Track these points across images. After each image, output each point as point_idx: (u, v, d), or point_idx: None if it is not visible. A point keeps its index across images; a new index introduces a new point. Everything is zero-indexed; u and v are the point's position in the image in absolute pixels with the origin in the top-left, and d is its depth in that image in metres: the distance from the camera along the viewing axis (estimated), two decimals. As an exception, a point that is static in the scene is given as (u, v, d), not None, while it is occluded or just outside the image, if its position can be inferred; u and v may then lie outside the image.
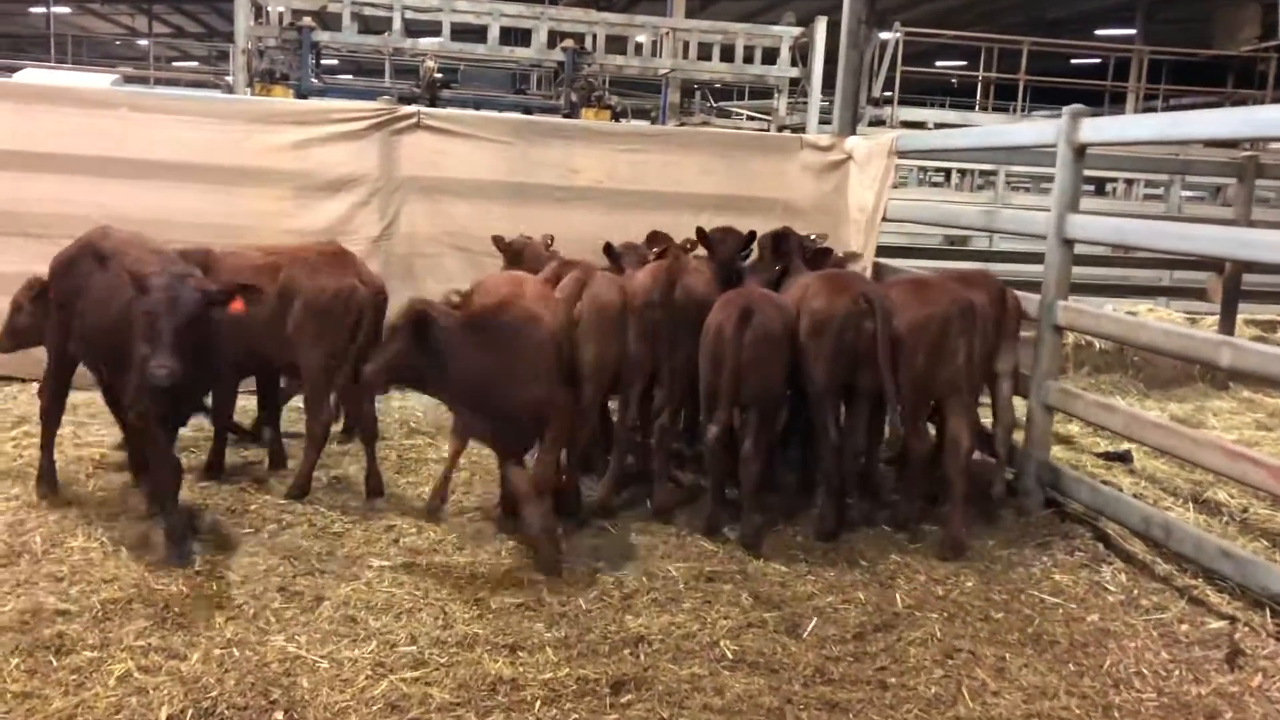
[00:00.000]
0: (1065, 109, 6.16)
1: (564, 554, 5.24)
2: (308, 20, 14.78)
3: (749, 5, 26.69)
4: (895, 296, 5.74)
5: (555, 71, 16.39)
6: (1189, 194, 15.84)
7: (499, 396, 5.04)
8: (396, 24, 15.25)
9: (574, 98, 14.90)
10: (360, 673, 4.08)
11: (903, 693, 4.20)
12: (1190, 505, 6.47)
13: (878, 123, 15.87)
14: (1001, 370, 6.41)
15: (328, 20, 15.99)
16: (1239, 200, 9.41)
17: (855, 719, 4.02)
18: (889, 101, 16.79)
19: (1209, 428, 8.30)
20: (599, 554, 5.36)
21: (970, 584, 5.25)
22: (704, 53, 16.31)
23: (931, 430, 6.13)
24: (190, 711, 3.76)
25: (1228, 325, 8.97)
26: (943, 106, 22.59)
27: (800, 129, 15.10)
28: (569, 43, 15.32)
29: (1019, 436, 6.56)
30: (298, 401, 6.61)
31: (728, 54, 16.18)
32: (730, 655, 4.39)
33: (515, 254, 6.84)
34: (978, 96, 21.83)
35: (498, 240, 7.02)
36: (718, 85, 21.57)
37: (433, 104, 13.22)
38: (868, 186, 8.42)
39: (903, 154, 8.46)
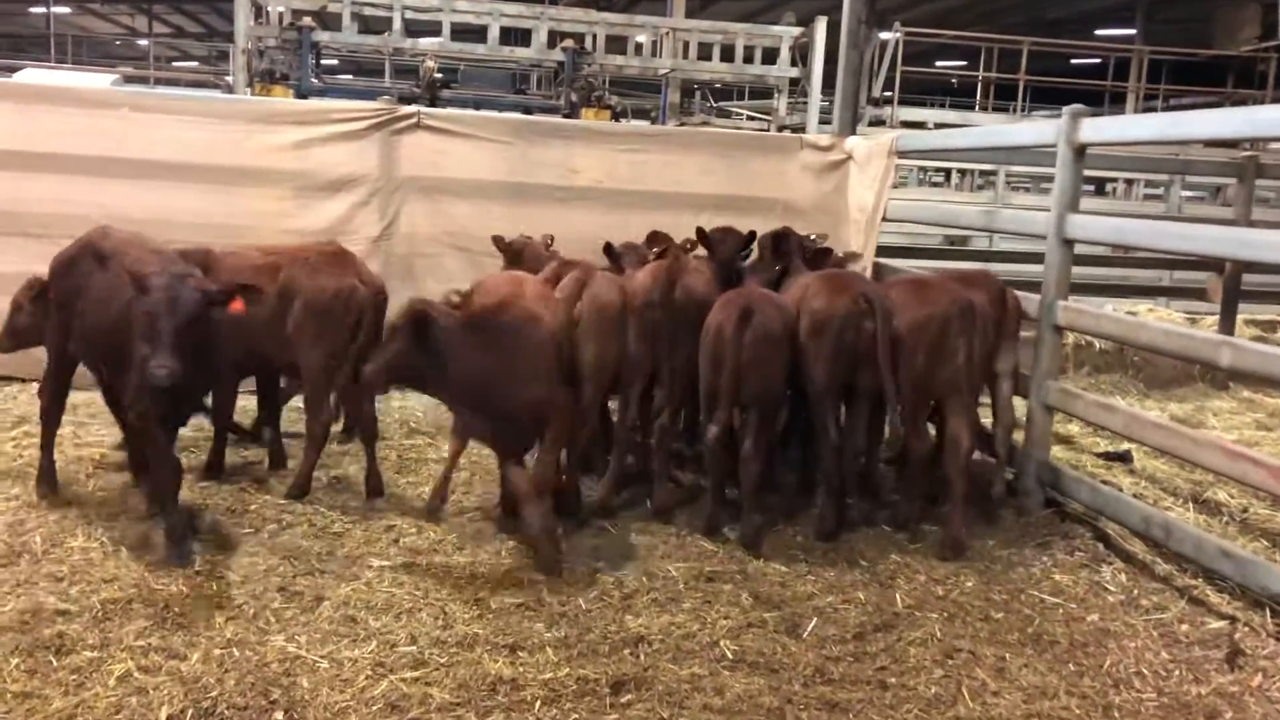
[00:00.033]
0: (1065, 109, 6.16)
1: (564, 554, 5.25)
2: (308, 20, 14.78)
3: (749, 5, 26.69)
4: (895, 296, 5.74)
5: (555, 71, 16.39)
6: (1189, 194, 15.84)
7: (498, 396, 5.04)
8: (396, 24, 15.25)
9: (574, 98, 14.90)
10: (360, 673, 4.08)
11: (903, 693, 4.20)
12: (1190, 505, 6.47)
13: (878, 123, 15.87)
14: (1002, 370, 6.41)
15: (328, 20, 15.99)
16: (1239, 200, 9.41)
17: (855, 719, 4.02)
18: (889, 101, 16.79)
19: (1209, 428, 8.30)
20: (599, 554, 5.36)
21: (970, 584, 5.25)
22: (704, 53, 16.31)
23: (931, 430, 6.13)
24: (190, 711, 3.76)
25: (1228, 325, 8.97)
26: (943, 106, 22.59)
27: (800, 129, 15.10)
28: (569, 43, 15.32)
29: (1019, 436, 6.56)
30: (298, 401, 6.61)
31: (728, 54, 16.18)
32: (730, 655, 4.39)
33: (515, 254, 6.84)
34: (978, 96, 21.83)
35: (497, 240, 7.03)
36: (718, 85, 21.57)
37: (433, 104, 13.22)
38: (868, 186, 8.42)
39: (903, 154, 8.46)
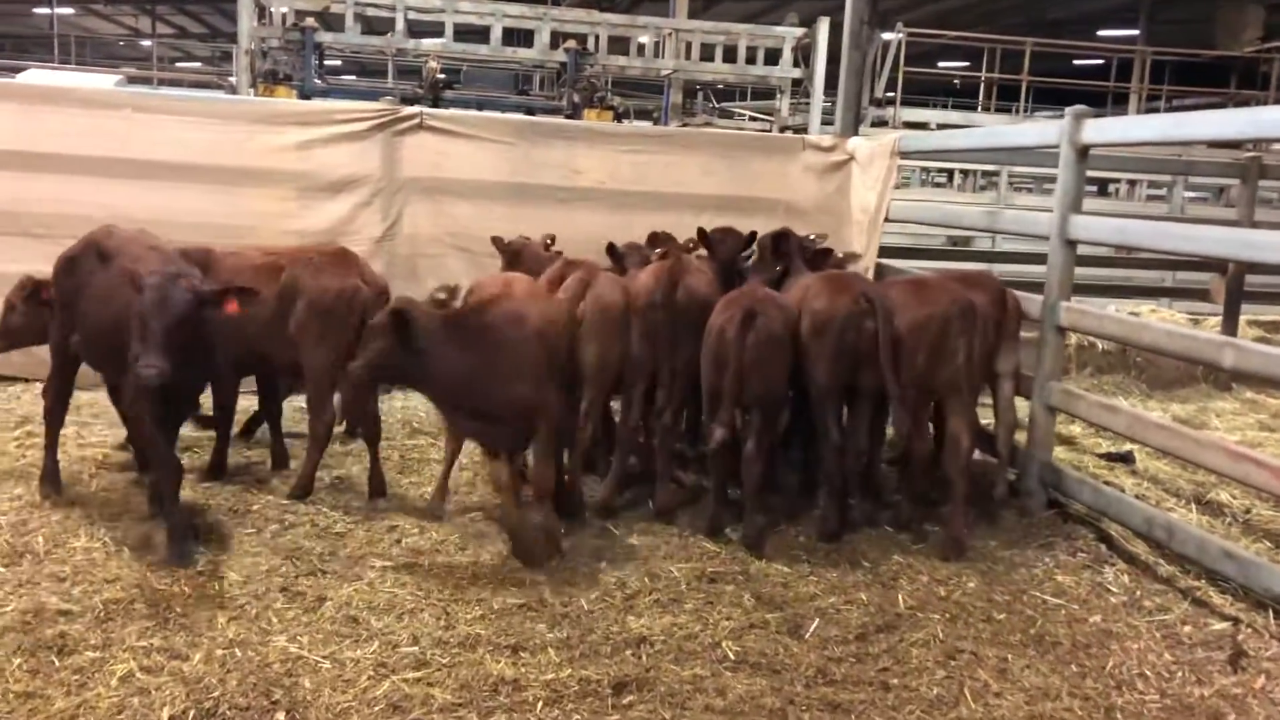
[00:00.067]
0: (1068, 110, 6.16)
1: (564, 554, 5.26)
2: (311, 21, 14.78)
3: (751, 6, 26.69)
4: (895, 296, 5.74)
5: (558, 72, 16.38)
6: (1192, 195, 15.85)
7: (480, 396, 5.03)
8: (399, 25, 15.25)
9: (576, 98, 14.89)
10: (362, 673, 4.08)
11: (905, 694, 4.19)
12: (1193, 506, 6.46)
13: (880, 123, 15.87)
14: (1003, 371, 6.41)
15: (331, 21, 16.00)
16: (1242, 201, 9.41)
17: (857, 720, 4.02)
18: (891, 102, 16.78)
19: (1212, 429, 8.29)
20: (601, 554, 5.36)
21: (972, 585, 5.25)
22: (706, 53, 16.30)
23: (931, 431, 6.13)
24: (192, 712, 3.76)
25: (1231, 326, 8.96)
26: (945, 107, 22.58)
27: (803, 130, 15.08)
28: (572, 43, 15.31)
29: (1020, 437, 6.55)
30: (300, 401, 6.61)
31: (730, 55, 16.17)
32: (732, 656, 4.39)
33: (513, 255, 6.83)
34: (980, 97, 21.86)
35: (496, 241, 7.02)
36: (720, 86, 21.58)
37: (435, 105, 13.22)
38: (870, 187, 8.42)
39: (905, 155, 8.47)
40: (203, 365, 5.04)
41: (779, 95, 16.85)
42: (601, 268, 6.22)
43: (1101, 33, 27.80)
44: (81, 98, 8.27)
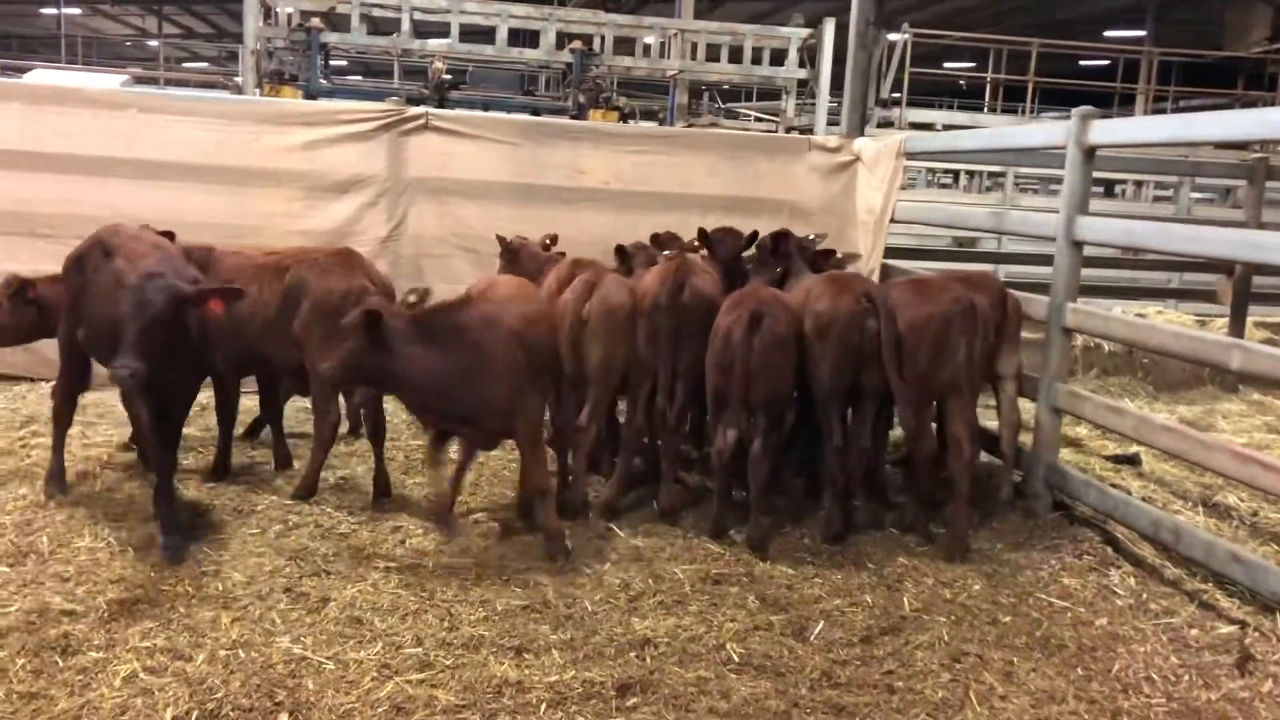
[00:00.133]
0: (1074, 110, 6.15)
1: (568, 554, 5.25)
2: (316, 21, 14.79)
3: (757, 6, 26.67)
4: (896, 296, 5.74)
5: (563, 73, 16.38)
6: (1199, 196, 15.79)
7: (452, 398, 5.01)
8: (405, 25, 15.25)
9: (582, 99, 14.89)
10: (366, 674, 4.07)
11: (910, 696, 4.18)
12: (1200, 509, 6.44)
13: (886, 124, 15.85)
14: (1005, 372, 6.40)
15: (336, 21, 16.02)
16: (1250, 202, 9.38)
17: (862, 723, 4.01)
18: (897, 103, 16.76)
19: (1219, 431, 8.26)
20: (605, 556, 5.35)
21: (978, 587, 5.23)
22: (712, 54, 16.28)
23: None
24: (195, 713, 3.76)
25: (1238, 328, 8.93)
26: (951, 108, 22.60)
27: (808, 130, 15.05)
28: (577, 44, 15.31)
29: (1026, 439, 6.53)
30: (304, 402, 6.60)
31: (736, 55, 16.14)
32: (736, 658, 4.38)
33: (512, 255, 6.81)
34: (986, 98, 21.82)
35: (500, 240, 7.02)
36: (726, 86, 21.55)
37: (441, 105, 13.23)
38: (876, 188, 8.41)
39: (911, 155, 8.45)
40: (195, 365, 5.01)
41: (784, 96, 16.82)
42: (608, 268, 6.22)
43: (1108, 33, 27.73)
44: (87, 98, 8.29)
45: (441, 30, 16.08)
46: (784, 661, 4.38)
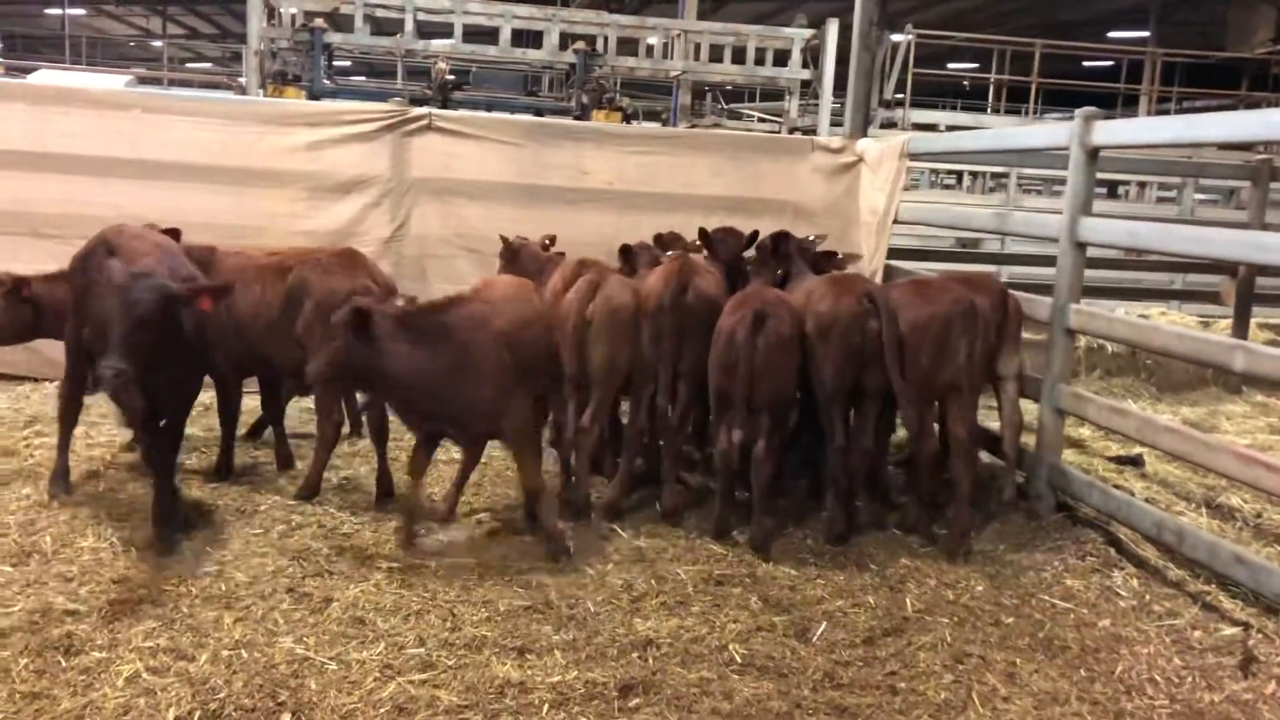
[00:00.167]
0: (1078, 111, 6.14)
1: (570, 555, 5.25)
2: (320, 22, 14.79)
3: (760, 7, 26.65)
4: (897, 297, 5.74)
5: (567, 73, 16.36)
6: (1202, 197, 15.77)
7: (439, 399, 5.01)
8: (408, 26, 15.25)
9: (585, 100, 14.88)
10: (368, 675, 4.08)
11: (912, 698, 4.18)
12: (1203, 510, 6.43)
13: (889, 125, 15.82)
14: (1006, 373, 6.39)
15: (340, 22, 16.01)
16: (1253, 203, 9.37)
17: (864, 724, 4.01)
18: (901, 104, 16.72)
19: (1222, 432, 8.25)
20: (608, 556, 5.35)
21: (980, 588, 5.23)
22: (715, 55, 16.26)
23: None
24: (198, 713, 3.77)
25: (1241, 329, 8.92)
26: (955, 109, 22.55)
27: (812, 131, 15.04)
28: (580, 45, 15.30)
29: (1029, 440, 6.52)
30: (306, 402, 6.61)
31: (739, 56, 16.12)
32: (739, 659, 4.38)
33: (512, 255, 6.80)
34: (990, 99, 21.79)
35: (504, 241, 7.02)
36: (729, 87, 21.54)
37: (444, 106, 13.22)
38: (879, 189, 8.40)
39: (914, 156, 8.45)
40: (192, 365, 5.01)
41: (788, 97, 16.80)
42: (612, 269, 6.22)
43: (1112, 34, 27.71)
44: (91, 98, 8.30)
45: (445, 31, 16.08)
46: (787, 662, 4.38)
